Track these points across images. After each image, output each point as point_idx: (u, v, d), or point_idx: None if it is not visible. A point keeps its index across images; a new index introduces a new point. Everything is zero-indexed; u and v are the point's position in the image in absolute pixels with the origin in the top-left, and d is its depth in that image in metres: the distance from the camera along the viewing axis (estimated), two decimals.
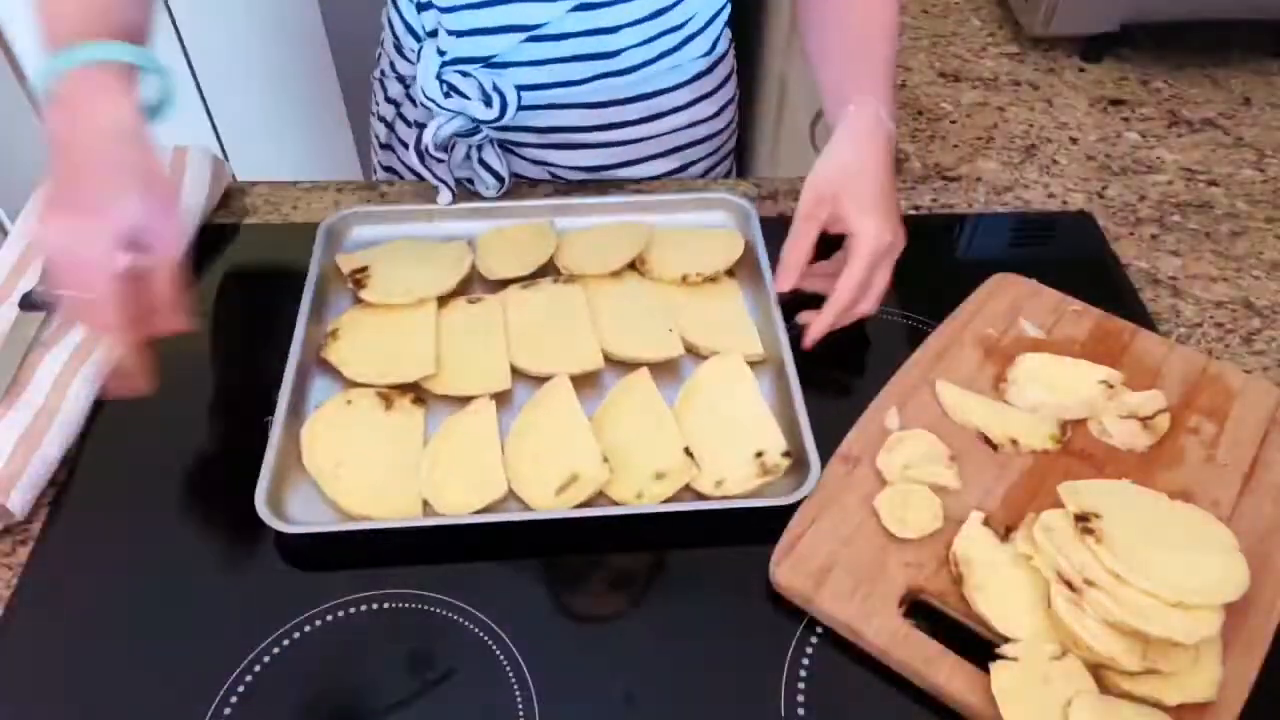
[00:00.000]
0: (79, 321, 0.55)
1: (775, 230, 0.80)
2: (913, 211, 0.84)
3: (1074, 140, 0.94)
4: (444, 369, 0.68)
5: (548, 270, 0.76)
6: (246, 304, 0.75)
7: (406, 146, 0.91)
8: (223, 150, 1.81)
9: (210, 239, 0.80)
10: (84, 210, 0.55)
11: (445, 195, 0.79)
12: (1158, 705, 0.50)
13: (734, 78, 0.93)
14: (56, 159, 0.56)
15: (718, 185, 0.86)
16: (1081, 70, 1.04)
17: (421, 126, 0.78)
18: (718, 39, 0.87)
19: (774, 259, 0.73)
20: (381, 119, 0.95)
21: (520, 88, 0.78)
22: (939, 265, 0.80)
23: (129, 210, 0.55)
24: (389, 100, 0.92)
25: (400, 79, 0.89)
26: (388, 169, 0.98)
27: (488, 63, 0.77)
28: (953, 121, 0.96)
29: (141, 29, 0.64)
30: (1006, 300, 0.72)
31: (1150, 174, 0.90)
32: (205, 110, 1.75)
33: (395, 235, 0.78)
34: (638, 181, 0.86)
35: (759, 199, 0.85)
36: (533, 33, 0.76)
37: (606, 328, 0.71)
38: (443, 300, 0.73)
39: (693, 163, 0.91)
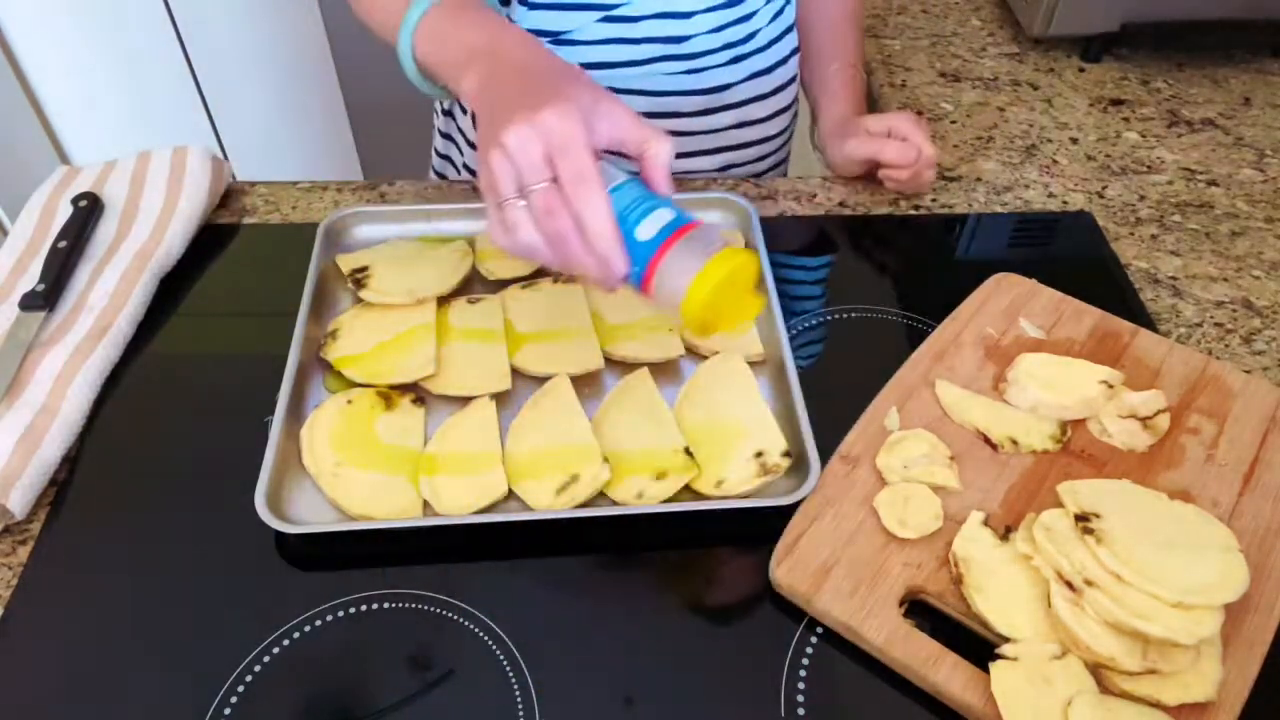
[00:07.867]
0: (553, 223, 0.50)
1: (775, 230, 0.80)
2: (913, 211, 0.84)
3: (1074, 140, 0.94)
4: (444, 369, 0.68)
5: (548, 270, 0.76)
6: (246, 304, 0.75)
7: (464, 136, 0.91)
8: (223, 150, 1.81)
9: (210, 239, 0.80)
10: (552, 97, 0.51)
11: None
12: (1158, 705, 0.50)
13: (793, 89, 0.93)
14: (485, 63, 0.54)
15: (718, 185, 0.86)
16: (1081, 70, 1.04)
17: None
18: (777, 40, 0.87)
19: (774, 259, 0.74)
20: (441, 107, 0.93)
21: (583, 66, 0.78)
22: (939, 265, 0.80)
23: (588, 95, 0.52)
24: None
25: None
26: (444, 156, 0.97)
27: (556, 39, 0.77)
28: (953, 121, 0.96)
29: None
30: (1006, 300, 0.72)
31: (1150, 174, 0.90)
32: (205, 110, 1.75)
33: (395, 235, 0.78)
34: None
35: (759, 199, 0.85)
36: (610, 12, 0.75)
37: (606, 328, 0.71)
38: (443, 300, 0.73)
39: (737, 165, 0.91)
